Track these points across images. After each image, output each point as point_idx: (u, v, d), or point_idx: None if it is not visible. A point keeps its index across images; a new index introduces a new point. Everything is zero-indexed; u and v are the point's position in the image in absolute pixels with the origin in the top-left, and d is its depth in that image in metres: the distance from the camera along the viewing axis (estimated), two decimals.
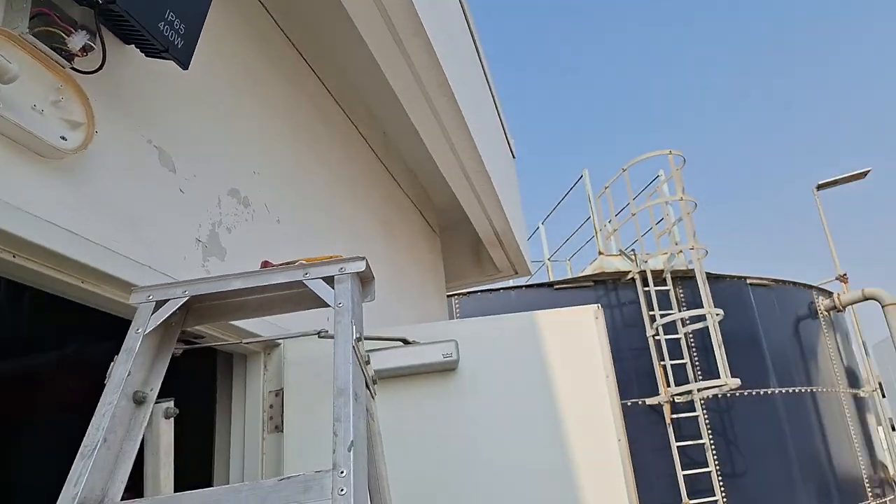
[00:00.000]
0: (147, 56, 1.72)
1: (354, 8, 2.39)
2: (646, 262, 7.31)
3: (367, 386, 1.19)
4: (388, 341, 2.22)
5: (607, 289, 7.40)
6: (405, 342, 2.23)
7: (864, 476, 8.14)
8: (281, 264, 1.30)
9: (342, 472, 0.98)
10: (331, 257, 1.26)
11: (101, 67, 1.58)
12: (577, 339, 2.44)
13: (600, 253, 7.96)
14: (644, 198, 8.43)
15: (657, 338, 7.02)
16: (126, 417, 1.15)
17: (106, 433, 1.09)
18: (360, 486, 0.98)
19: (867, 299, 9.22)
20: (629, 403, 6.89)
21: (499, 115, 4.24)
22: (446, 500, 2.17)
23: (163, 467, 1.29)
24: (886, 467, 9.03)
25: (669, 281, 7.31)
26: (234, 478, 2.20)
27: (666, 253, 7.52)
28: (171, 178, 1.91)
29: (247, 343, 2.05)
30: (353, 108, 3.31)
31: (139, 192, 1.77)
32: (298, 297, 1.27)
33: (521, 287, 7.79)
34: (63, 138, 1.53)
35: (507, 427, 2.25)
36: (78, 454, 1.06)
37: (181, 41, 1.70)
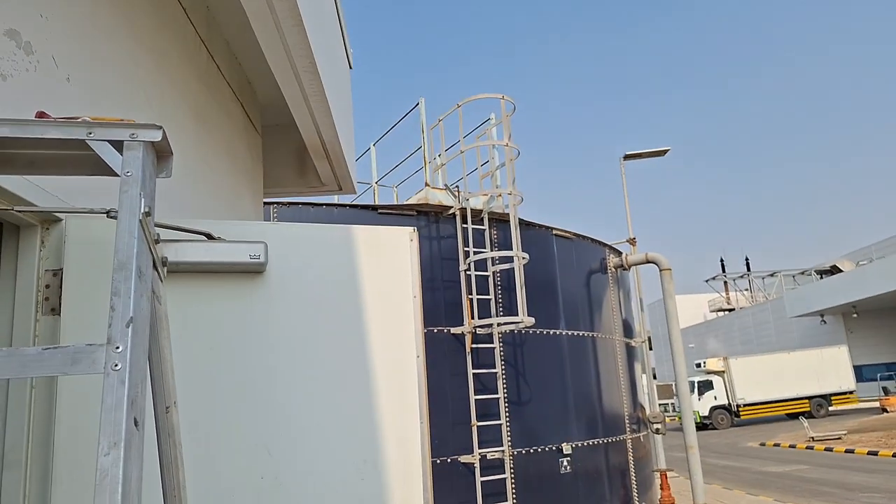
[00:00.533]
0: None
1: None
2: (468, 200, 7.58)
3: (155, 266, 1.09)
4: (190, 233, 2.06)
5: (429, 220, 7.58)
6: (209, 237, 2.09)
7: (626, 414, 9.38)
8: (61, 118, 1.12)
9: (118, 348, 0.89)
10: (121, 120, 1.11)
11: None
12: (392, 258, 2.48)
13: (427, 184, 8.09)
14: (473, 138, 8.65)
15: (469, 273, 7.38)
16: None
17: None
18: (136, 364, 0.90)
19: (648, 262, 10.45)
20: (436, 330, 7.21)
21: (339, 18, 4.03)
22: (243, 400, 2.12)
23: None
24: (644, 408, 10.51)
25: (486, 221, 7.66)
26: None
27: (486, 194, 7.84)
28: None
29: (19, 211, 1.79)
30: None
31: None
32: (80, 160, 1.11)
33: (345, 206, 7.70)
34: None
35: (311, 335, 2.24)
36: None
37: None
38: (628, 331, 10.38)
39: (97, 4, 2.32)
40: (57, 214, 1.98)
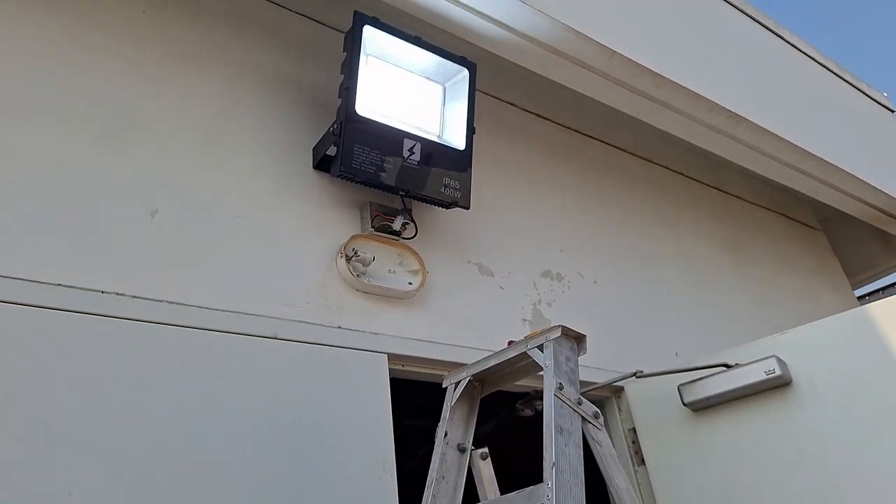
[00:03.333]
0: (445, 209, 2.47)
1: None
2: None
3: (585, 420, 1.55)
4: (711, 368, 2.37)
5: None
6: (727, 366, 2.34)
7: None
8: (512, 342, 1.80)
9: (548, 484, 1.38)
10: (545, 330, 1.69)
11: (415, 235, 2.39)
12: None
13: None
14: None
15: None
16: (455, 462, 1.78)
17: (442, 472, 1.72)
18: (562, 492, 1.36)
19: None
20: None
21: (847, 80, 3.75)
22: None
23: (488, 494, 1.86)
24: None
25: None
26: None
27: None
28: (491, 281, 2.59)
29: (593, 391, 2.49)
30: (658, 153, 3.54)
31: (469, 299, 2.49)
32: (527, 367, 1.74)
33: None
34: (409, 283, 2.35)
35: (863, 448, 2.04)
36: (425, 487, 1.71)
37: (459, 193, 2.40)
38: None
39: (603, 218, 3.11)
40: (616, 385, 2.62)
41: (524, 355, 1.71)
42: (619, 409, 2.66)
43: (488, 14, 2.48)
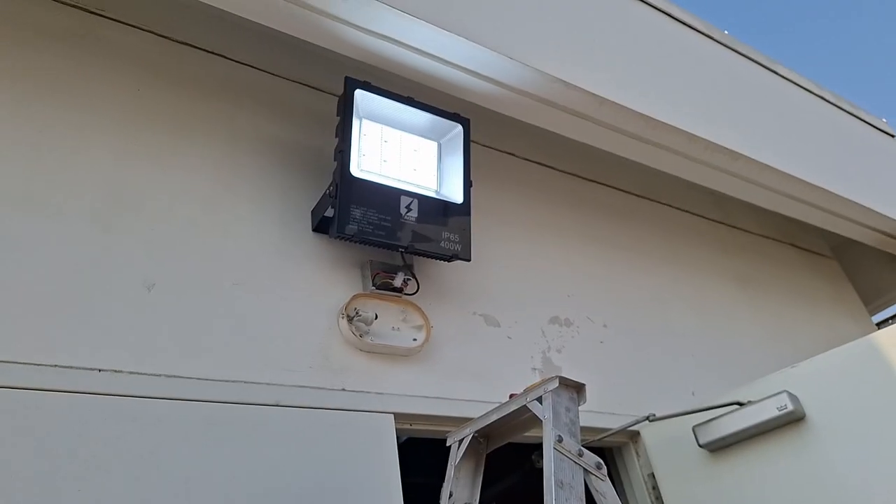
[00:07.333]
0: (447, 262, 2.48)
1: None
2: None
3: (587, 471, 1.53)
4: (724, 407, 2.32)
5: None
6: (739, 404, 2.29)
7: None
8: (513, 395, 1.78)
9: None
10: (543, 381, 1.68)
11: (417, 290, 2.40)
12: None
13: None
14: None
15: None
16: None
17: None
18: None
19: None
20: None
21: (845, 109, 3.76)
22: None
23: None
24: None
25: None
26: None
27: None
28: (498, 332, 2.58)
29: (606, 437, 2.45)
30: (661, 192, 3.54)
31: (477, 351, 2.48)
32: (535, 417, 1.72)
33: None
34: (414, 339, 2.36)
35: (880, 478, 1.97)
36: None
37: (459, 246, 2.42)
38: None
39: (607, 260, 3.10)
40: (632, 429, 2.56)
41: (525, 408, 1.69)
42: (637, 454, 2.61)
43: (478, 71, 2.54)
